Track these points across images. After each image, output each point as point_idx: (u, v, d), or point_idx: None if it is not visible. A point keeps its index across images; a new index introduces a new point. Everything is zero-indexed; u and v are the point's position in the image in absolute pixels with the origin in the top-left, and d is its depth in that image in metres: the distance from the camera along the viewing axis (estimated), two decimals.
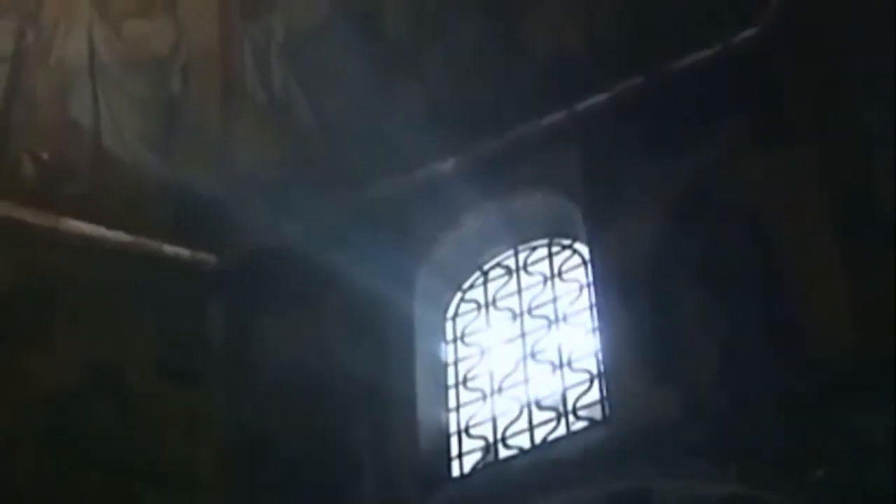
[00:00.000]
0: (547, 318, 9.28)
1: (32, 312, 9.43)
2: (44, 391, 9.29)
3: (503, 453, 8.78)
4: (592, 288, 9.02)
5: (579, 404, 8.70)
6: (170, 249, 10.19)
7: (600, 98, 9.51)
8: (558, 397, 8.85)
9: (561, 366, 8.99)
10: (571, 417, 8.70)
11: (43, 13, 10.38)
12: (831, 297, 7.87)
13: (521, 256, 9.69)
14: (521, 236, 9.73)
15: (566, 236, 9.49)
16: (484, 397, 9.13)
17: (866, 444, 7.15)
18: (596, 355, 8.74)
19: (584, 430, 8.56)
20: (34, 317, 9.45)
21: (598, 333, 8.78)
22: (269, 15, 10.84)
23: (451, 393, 9.26)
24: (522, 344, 9.25)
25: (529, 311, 9.41)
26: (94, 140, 10.45)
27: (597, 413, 8.56)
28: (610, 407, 8.46)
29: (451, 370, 9.40)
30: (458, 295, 9.78)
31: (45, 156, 10.10)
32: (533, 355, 9.13)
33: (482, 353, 9.40)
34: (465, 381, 9.28)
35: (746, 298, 8.22)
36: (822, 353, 7.71)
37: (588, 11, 9.91)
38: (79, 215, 9.97)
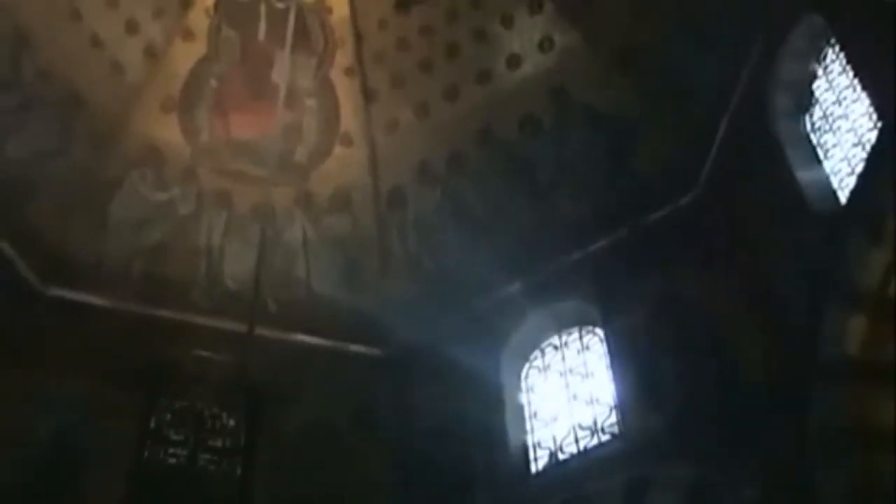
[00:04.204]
0: (581, 374, 9.88)
1: (276, 390, 9.92)
2: (284, 437, 9.84)
3: (561, 457, 9.39)
4: (608, 356, 9.58)
5: (605, 425, 9.29)
6: (353, 347, 10.73)
7: (602, 243, 10.04)
8: (591, 422, 9.42)
9: (591, 402, 9.57)
10: (600, 433, 9.29)
11: (276, 218, 11.03)
12: (752, 356, 8.36)
13: (563, 338, 10.25)
14: (562, 326, 10.30)
15: (590, 324, 10.05)
16: (547, 424, 9.72)
17: (780, 442, 7.67)
18: (612, 395, 9.32)
19: (608, 441, 9.17)
20: (277, 392, 9.95)
21: (613, 382, 9.35)
22: (404, 207, 11.39)
23: (527, 423, 9.81)
24: (567, 391, 9.84)
25: (570, 371, 9.98)
26: (307, 286, 11.14)
27: (615, 430, 9.15)
28: (623, 426, 9.06)
29: (526, 409, 9.93)
30: (527, 364, 10.31)
31: (279, 297, 10.64)
32: (574, 397, 9.74)
33: (543, 398, 9.96)
34: (535, 415, 9.86)
35: (702, 359, 8.67)
36: (749, 390, 8.18)
37: (591, 191, 10.37)
38: (299, 330, 10.60)
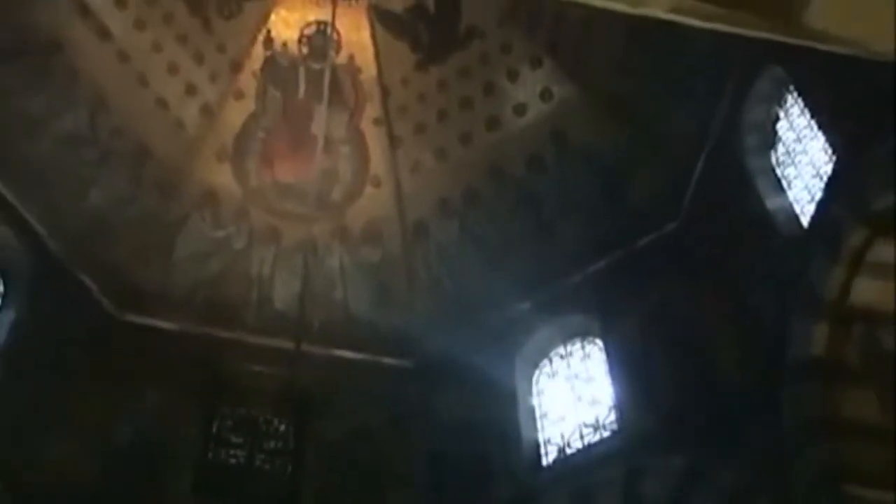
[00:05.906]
0: (584, 379, 10.00)
1: (320, 399, 10.11)
2: (327, 440, 10.01)
3: (568, 451, 9.50)
4: (607, 362, 9.72)
5: (605, 423, 9.43)
6: (385, 359, 10.86)
7: (600, 265, 10.18)
8: (594, 420, 9.56)
9: (593, 403, 9.72)
10: (602, 430, 9.43)
11: (317, 249, 11.18)
12: (732, 360, 8.37)
13: (568, 348, 10.37)
14: (567, 337, 10.41)
15: (591, 336, 10.18)
16: (555, 423, 9.85)
17: (759, 434, 7.68)
18: (612, 397, 9.46)
19: (609, 437, 9.30)
20: (320, 400, 10.13)
21: (612, 386, 9.48)
22: (427, 238, 11.51)
23: (538, 422, 9.92)
24: (573, 393, 9.95)
25: (575, 376, 10.10)
26: (345, 307, 11.33)
27: (615, 427, 9.27)
28: (621, 423, 9.20)
29: (537, 410, 10.04)
30: (537, 371, 10.41)
31: (321, 318, 10.47)
32: (579, 399, 9.87)
33: (552, 400, 10.07)
34: (545, 415, 9.98)
35: (689, 363, 8.74)
36: (730, 389, 8.19)
37: (589, 220, 10.44)
38: (338, 346, 10.70)
